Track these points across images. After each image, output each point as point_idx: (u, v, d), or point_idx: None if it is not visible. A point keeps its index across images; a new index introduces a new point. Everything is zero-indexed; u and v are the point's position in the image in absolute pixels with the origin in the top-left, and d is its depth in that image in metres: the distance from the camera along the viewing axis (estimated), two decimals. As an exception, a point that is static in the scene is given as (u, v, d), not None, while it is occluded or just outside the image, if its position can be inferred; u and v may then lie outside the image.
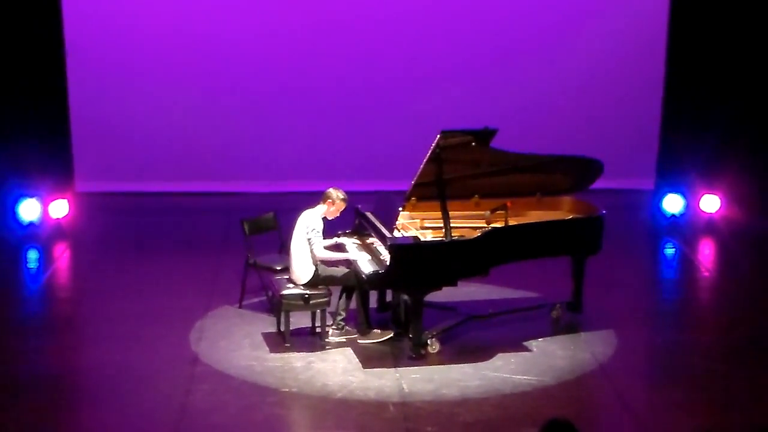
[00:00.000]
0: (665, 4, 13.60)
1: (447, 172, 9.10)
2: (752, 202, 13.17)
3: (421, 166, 9.07)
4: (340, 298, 9.28)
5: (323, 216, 9.14)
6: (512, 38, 13.82)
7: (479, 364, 8.77)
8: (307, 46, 13.68)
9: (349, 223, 9.80)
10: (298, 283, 9.12)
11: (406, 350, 8.96)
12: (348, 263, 9.22)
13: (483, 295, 10.19)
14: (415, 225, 9.55)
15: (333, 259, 9.19)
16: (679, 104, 13.56)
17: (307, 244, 9.03)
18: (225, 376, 8.54)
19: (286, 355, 8.95)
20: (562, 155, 9.73)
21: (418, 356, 8.82)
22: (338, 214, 9.20)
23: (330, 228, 9.48)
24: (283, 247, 9.88)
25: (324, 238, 9.19)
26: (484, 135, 9.07)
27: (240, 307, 10.05)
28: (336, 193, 9.12)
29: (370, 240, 9.40)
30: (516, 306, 9.91)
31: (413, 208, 9.68)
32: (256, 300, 10.15)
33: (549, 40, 13.83)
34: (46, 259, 11.79)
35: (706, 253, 12.58)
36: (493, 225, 9.28)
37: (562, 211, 10.00)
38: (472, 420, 7.81)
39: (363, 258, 9.19)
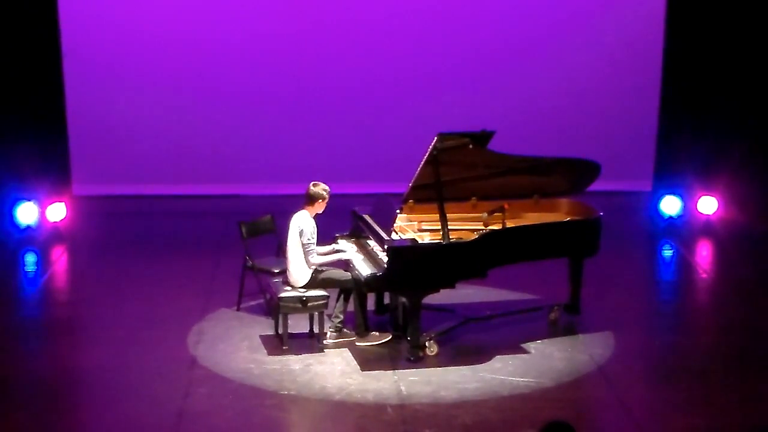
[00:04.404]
0: (662, 6, 13.61)
1: (444, 175, 9.11)
2: (750, 203, 13.17)
3: (419, 169, 9.08)
4: (337, 300, 9.28)
5: (313, 215, 9.13)
6: (509, 41, 13.81)
7: (477, 366, 8.78)
8: (304, 49, 13.67)
9: (347, 225, 9.80)
10: (295, 286, 9.12)
11: (404, 352, 8.96)
12: (345, 265, 9.22)
13: (481, 297, 10.19)
14: (413, 227, 9.55)
15: (329, 262, 9.19)
16: (676, 106, 13.56)
17: (302, 248, 9.02)
18: (223, 379, 8.54)
19: (284, 357, 8.94)
20: (560, 157, 9.73)
21: (416, 358, 8.82)
22: (325, 206, 9.16)
23: (329, 230, 9.49)
24: (280, 250, 9.88)
25: (320, 243, 9.20)
26: (482, 137, 9.08)
27: (238, 309, 10.05)
28: (318, 189, 9.07)
29: (368, 242, 9.39)
30: (514, 308, 9.91)
31: (411, 211, 9.69)
32: (254, 303, 10.15)
33: (546, 42, 13.82)
34: (43, 262, 11.78)
35: (704, 254, 12.59)
36: (490, 227, 9.29)
37: (559, 213, 10.00)
38: (470, 422, 7.81)
39: (361, 260, 9.18)
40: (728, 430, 7.84)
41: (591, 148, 11.40)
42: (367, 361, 8.87)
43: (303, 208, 9.14)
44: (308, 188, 9.13)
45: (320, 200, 9.11)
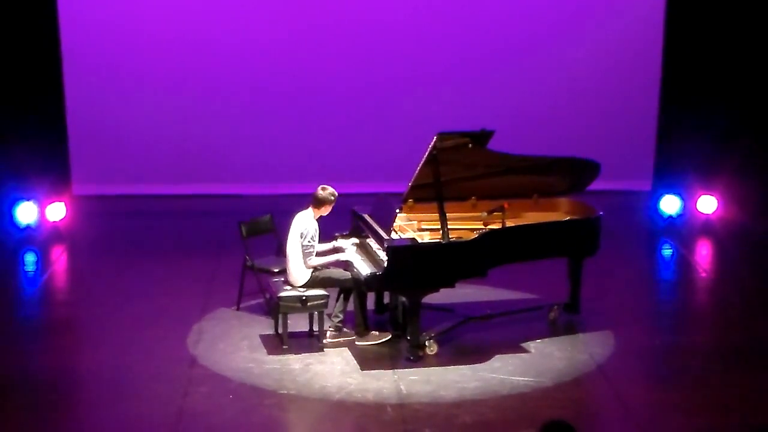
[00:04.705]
0: (661, 5, 13.62)
1: (444, 174, 9.11)
2: (749, 203, 13.17)
3: (418, 168, 9.07)
4: (337, 300, 9.28)
5: (317, 217, 9.13)
6: (509, 40, 13.82)
7: (477, 365, 8.78)
8: (303, 49, 13.68)
9: (347, 224, 9.80)
10: (295, 285, 9.12)
11: (403, 352, 8.96)
12: (345, 265, 9.22)
13: (481, 296, 10.19)
14: (413, 227, 9.55)
15: (326, 264, 9.18)
16: (676, 105, 13.57)
17: (301, 249, 9.02)
18: (223, 379, 8.54)
19: (283, 357, 8.95)
20: (559, 156, 9.73)
21: (416, 358, 8.82)
22: (330, 209, 9.19)
23: (329, 230, 9.49)
24: (280, 250, 9.89)
25: (321, 242, 9.20)
26: (481, 136, 9.07)
27: (238, 309, 10.05)
28: (326, 193, 9.08)
29: (368, 242, 9.39)
30: (514, 307, 9.91)
31: (411, 210, 9.69)
32: (253, 302, 10.15)
33: (546, 42, 13.83)
34: (43, 262, 11.78)
35: (703, 254, 12.59)
36: (490, 226, 9.29)
37: (559, 212, 10.00)
38: (470, 421, 7.81)
39: (360, 260, 9.18)
40: (728, 429, 7.84)
41: (591, 147, 11.38)
42: (367, 361, 8.87)
43: (308, 208, 9.13)
44: (317, 191, 9.11)
45: (326, 204, 9.10)
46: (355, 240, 9.57)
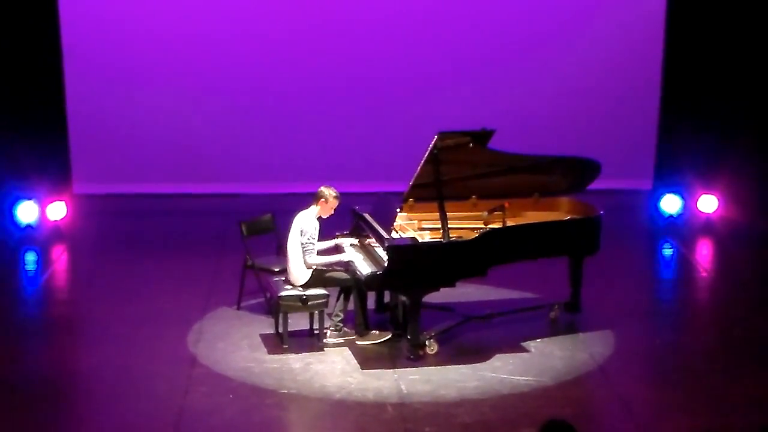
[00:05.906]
0: (662, 6, 13.61)
1: (445, 173, 9.10)
2: (750, 202, 13.17)
3: (419, 167, 9.07)
4: (338, 299, 9.27)
5: (318, 216, 9.13)
6: (510, 40, 13.81)
7: (477, 364, 8.77)
8: (304, 48, 13.67)
9: (347, 224, 9.80)
10: (295, 284, 9.12)
11: (404, 351, 8.96)
12: (345, 265, 9.22)
13: (481, 295, 10.19)
14: (413, 226, 9.55)
15: (326, 264, 9.17)
16: (676, 104, 13.56)
17: (301, 247, 9.02)
18: (223, 378, 8.54)
19: (284, 356, 8.95)
20: (560, 156, 9.73)
21: (417, 357, 8.82)
22: (332, 212, 9.20)
23: (329, 229, 9.48)
24: (280, 249, 9.88)
25: (321, 240, 9.20)
26: (482, 136, 9.08)
27: (238, 308, 10.05)
28: (328, 192, 9.11)
29: (368, 241, 9.39)
30: (514, 307, 9.91)
31: (411, 209, 9.69)
32: (254, 301, 10.15)
33: (546, 41, 13.82)
34: (44, 261, 11.78)
35: (704, 253, 12.59)
36: (490, 226, 9.29)
37: (559, 211, 10.00)
38: (470, 421, 7.81)
39: (361, 259, 9.18)
40: (729, 428, 7.83)
41: (591, 146, 11.39)
42: (367, 360, 8.87)
43: (310, 207, 9.13)
44: (320, 189, 9.12)
45: (321, 200, 9.09)
46: (355, 240, 9.58)
